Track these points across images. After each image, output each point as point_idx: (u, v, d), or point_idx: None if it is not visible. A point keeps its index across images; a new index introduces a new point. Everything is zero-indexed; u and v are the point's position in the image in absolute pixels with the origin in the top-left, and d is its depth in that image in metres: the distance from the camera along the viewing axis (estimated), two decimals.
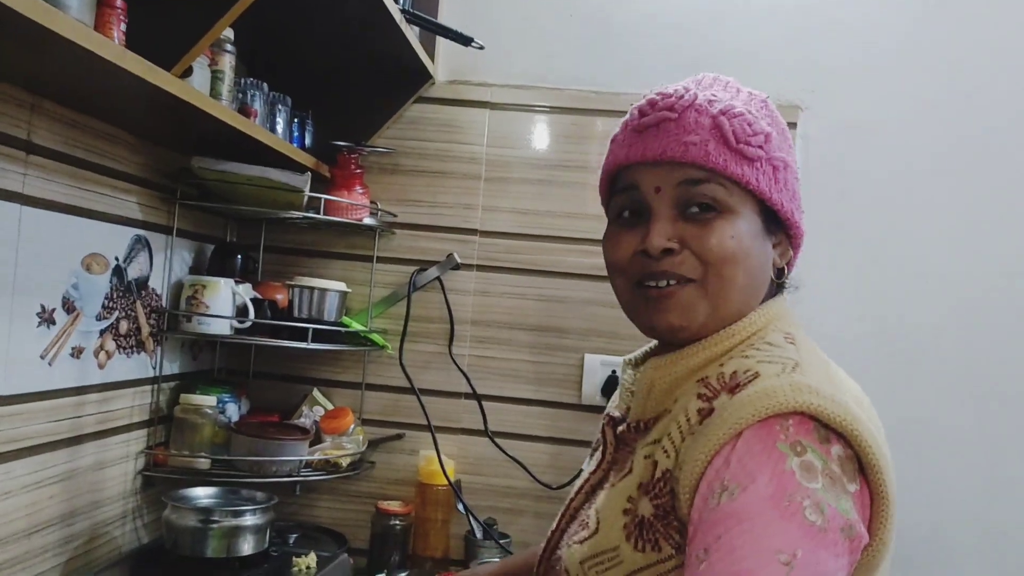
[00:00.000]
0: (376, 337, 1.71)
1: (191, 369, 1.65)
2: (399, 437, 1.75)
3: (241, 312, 1.52)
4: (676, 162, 0.82)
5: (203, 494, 1.42)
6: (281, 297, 1.61)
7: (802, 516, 0.67)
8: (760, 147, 0.82)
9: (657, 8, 1.75)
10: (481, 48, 1.63)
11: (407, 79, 1.73)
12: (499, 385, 1.75)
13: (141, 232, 1.42)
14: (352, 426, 1.66)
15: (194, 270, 1.60)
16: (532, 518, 1.71)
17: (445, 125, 1.76)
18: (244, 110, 1.43)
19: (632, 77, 1.71)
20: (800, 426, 0.71)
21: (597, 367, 1.71)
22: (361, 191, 1.66)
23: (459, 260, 1.74)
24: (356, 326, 1.68)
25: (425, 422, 1.70)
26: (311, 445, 1.60)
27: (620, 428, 0.89)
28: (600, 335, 1.71)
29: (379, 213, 1.72)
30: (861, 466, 0.73)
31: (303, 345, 1.54)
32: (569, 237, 1.73)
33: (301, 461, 1.54)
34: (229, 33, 1.33)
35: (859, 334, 1.69)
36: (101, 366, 1.34)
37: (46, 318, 1.19)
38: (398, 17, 1.43)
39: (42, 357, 1.20)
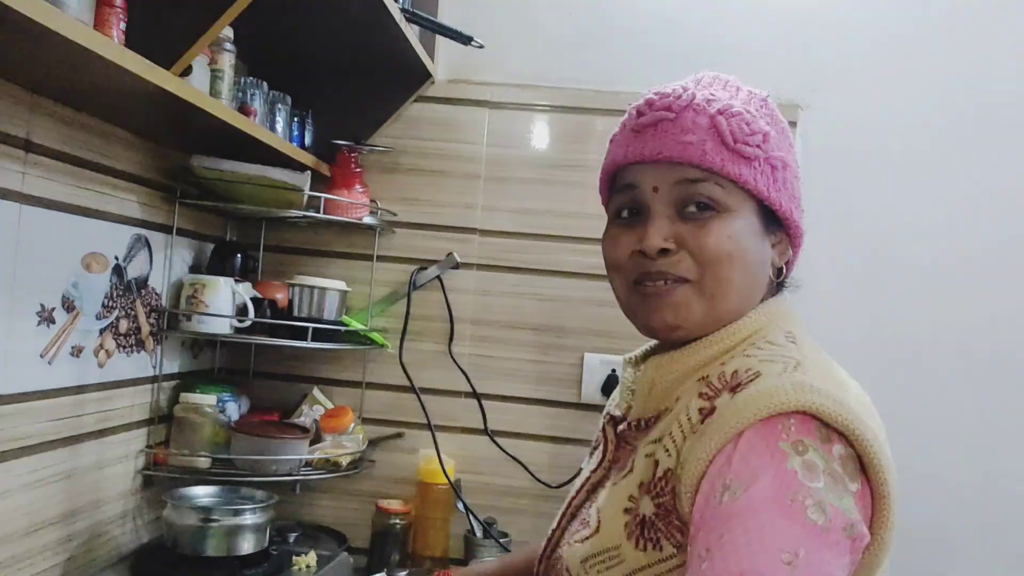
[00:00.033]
0: (376, 336, 1.71)
1: (191, 368, 1.65)
2: (399, 436, 1.75)
3: (241, 311, 1.52)
4: (673, 162, 0.82)
5: (203, 493, 1.42)
6: (281, 296, 1.61)
7: (804, 515, 0.67)
8: (758, 146, 0.82)
9: (657, 6, 1.75)
10: (481, 47, 1.63)
11: (407, 78, 1.73)
12: (499, 384, 1.74)
13: (141, 231, 1.42)
14: (352, 425, 1.66)
15: (194, 269, 1.60)
16: (532, 517, 1.71)
17: (445, 124, 1.76)
18: (244, 109, 1.43)
19: (632, 76, 1.71)
20: (802, 425, 0.71)
21: (597, 366, 1.71)
22: (361, 190, 1.66)
23: (459, 259, 1.74)
24: (356, 325, 1.68)
25: (425, 421, 1.70)
26: (311, 444, 1.60)
27: (621, 427, 0.89)
28: (600, 334, 1.71)
29: (379, 212, 1.72)
30: (862, 465, 0.73)
31: (303, 344, 1.54)
32: (569, 236, 1.73)
33: (301, 460, 1.54)
34: (229, 32, 1.33)
35: (859, 331, 1.69)
36: (101, 365, 1.34)
37: (46, 317, 1.19)
38: (398, 16, 1.43)
39: (42, 356, 1.19)
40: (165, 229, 1.50)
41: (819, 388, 0.72)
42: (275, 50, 1.65)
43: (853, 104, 1.71)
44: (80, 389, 1.29)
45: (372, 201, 1.69)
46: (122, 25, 0.99)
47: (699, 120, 0.81)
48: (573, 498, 0.92)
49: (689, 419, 0.77)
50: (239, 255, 1.64)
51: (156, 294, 1.48)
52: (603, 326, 1.70)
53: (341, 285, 1.62)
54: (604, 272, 0.90)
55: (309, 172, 1.53)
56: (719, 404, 0.75)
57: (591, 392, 1.71)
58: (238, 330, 1.52)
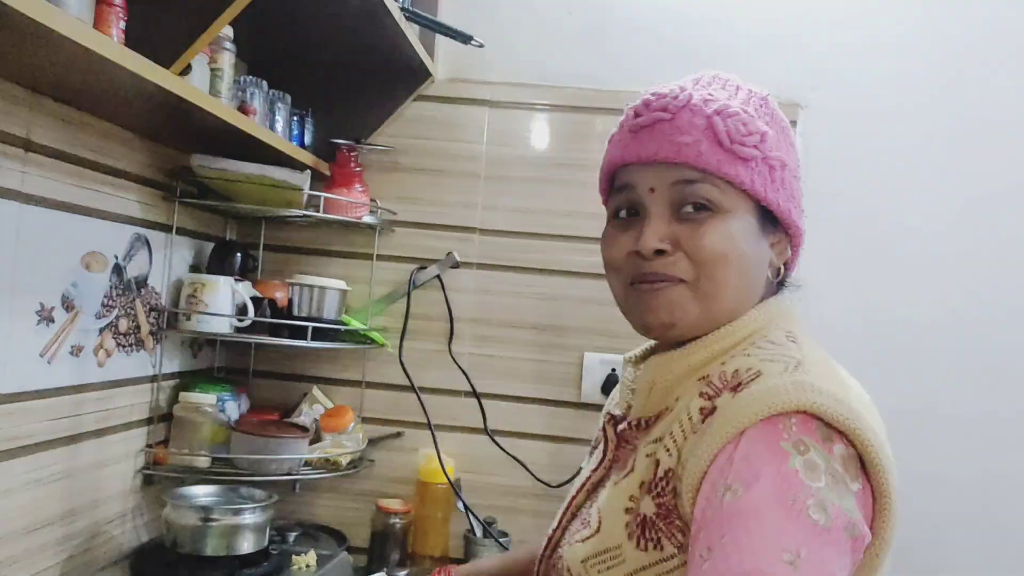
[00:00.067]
0: (376, 335, 1.71)
1: (191, 367, 1.65)
2: (398, 435, 1.75)
3: (241, 310, 1.52)
4: (670, 163, 0.82)
5: (203, 492, 1.42)
6: (281, 295, 1.61)
7: (806, 515, 0.66)
8: (755, 147, 0.81)
9: (657, 5, 1.75)
10: (481, 46, 1.63)
11: (407, 77, 1.73)
12: (499, 383, 1.74)
13: (140, 230, 1.42)
14: (352, 424, 1.66)
15: (194, 268, 1.60)
16: (532, 516, 1.71)
17: (445, 123, 1.76)
18: (243, 108, 1.43)
19: (632, 75, 1.71)
20: (803, 425, 0.71)
21: (596, 365, 1.71)
22: (361, 189, 1.66)
23: (459, 258, 1.74)
24: (356, 324, 1.68)
25: (425, 420, 1.70)
26: (311, 443, 1.60)
27: (621, 426, 0.89)
28: (599, 333, 1.71)
29: (379, 211, 1.72)
30: (863, 465, 0.73)
31: (303, 343, 1.54)
32: (569, 235, 1.73)
33: (301, 459, 1.54)
34: (228, 31, 1.33)
35: (859, 328, 1.69)
36: (100, 364, 1.34)
37: (45, 316, 1.19)
38: (398, 15, 1.43)
39: (41, 355, 1.19)
40: (165, 228, 1.49)
41: (820, 388, 0.72)
42: (275, 49, 1.65)
43: (853, 103, 1.71)
44: (80, 388, 1.29)
45: (372, 200, 1.69)
46: (122, 24, 0.99)
47: (695, 121, 0.81)
48: (573, 498, 0.92)
49: (690, 418, 0.77)
50: (239, 254, 1.64)
51: (156, 293, 1.48)
52: (603, 325, 1.70)
53: (341, 284, 1.62)
54: (604, 271, 0.90)
55: (309, 171, 1.53)
56: (720, 404, 0.75)
57: (591, 391, 1.71)
58: (238, 329, 1.52)
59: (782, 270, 0.89)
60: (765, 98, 0.88)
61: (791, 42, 1.71)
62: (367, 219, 1.66)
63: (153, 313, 1.48)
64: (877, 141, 1.71)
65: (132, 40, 0.99)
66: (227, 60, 1.33)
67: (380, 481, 1.74)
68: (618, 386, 0.98)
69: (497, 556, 1.41)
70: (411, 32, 1.54)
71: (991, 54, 1.69)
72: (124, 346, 1.40)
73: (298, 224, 1.74)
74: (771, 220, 0.85)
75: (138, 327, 1.43)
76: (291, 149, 1.49)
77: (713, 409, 0.75)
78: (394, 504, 1.67)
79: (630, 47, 1.74)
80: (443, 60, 1.77)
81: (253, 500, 1.40)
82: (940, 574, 1.67)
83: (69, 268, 1.24)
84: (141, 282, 1.43)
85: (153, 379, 1.50)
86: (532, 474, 1.70)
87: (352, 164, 1.65)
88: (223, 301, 1.50)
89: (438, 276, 1.75)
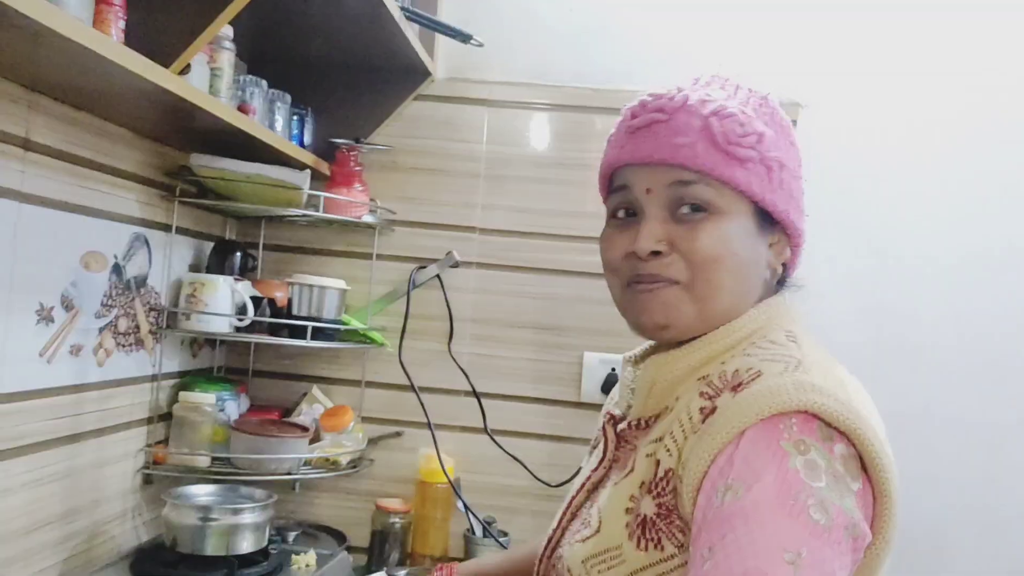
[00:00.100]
0: (375, 335, 1.71)
1: (190, 367, 1.65)
2: (398, 435, 1.75)
3: (240, 310, 1.52)
4: (666, 164, 0.82)
5: (202, 492, 1.42)
6: (280, 295, 1.61)
7: (807, 515, 0.66)
8: (752, 148, 0.81)
9: (657, 5, 1.75)
10: (480, 45, 1.63)
11: (406, 76, 1.73)
12: (498, 383, 1.74)
13: (140, 230, 1.41)
14: (352, 424, 1.66)
15: (193, 268, 1.60)
16: (531, 516, 1.71)
17: (444, 122, 1.76)
18: (243, 107, 1.43)
19: (632, 74, 1.71)
20: (803, 425, 0.71)
21: (596, 365, 1.71)
22: (360, 188, 1.65)
23: (458, 258, 1.74)
24: (355, 324, 1.68)
25: (425, 420, 1.69)
26: (311, 443, 1.60)
27: (621, 426, 0.89)
28: (599, 333, 1.71)
29: (378, 211, 1.72)
30: (864, 464, 0.73)
31: (302, 343, 1.53)
32: (568, 235, 1.73)
33: (300, 459, 1.54)
34: (228, 30, 1.33)
35: (859, 330, 1.69)
36: (100, 364, 1.33)
37: (44, 316, 1.19)
38: (397, 15, 1.43)
39: (41, 355, 1.19)
40: (164, 228, 1.49)
41: (821, 387, 0.72)
42: (274, 48, 1.65)
43: (853, 102, 1.71)
44: (79, 388, 1.29)
45: (371, 200, 1.69)
46: (121, 23, 0.99)
47: (692, 122, 0.81)
48: (573, 498, 0.92)
49: (690, 418, 0.77)
50: (238, 254, 1.64)
51: (155, 293, 1.48)
52: (603, 325, 1.70)
53: (340, 284, 1.62)
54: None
55: (308, 171, 1.53)
56: (720, 403, 0.75)
57: (591, 391, 1.71)
58: (237, 329, 1.52)
59: (780, 270, 0.89)
60: (765, 97, 0.87)
61: (792, 41, 1.71)
62: (367, 218, 1.66)
63: (153, 313, 1.48)
64: (877, 140, 1.71)
65: (131, 39, 0.99)
66: (226, 59, 1.33)
67: (380, 481, 1.74)
68: (618, 385, 0.98)
69: (499, 553, 1.41)
70: (411, 31, 1.54)
71: (993, 53, 1.69)
72: (124, 346, 1.39)
73: (298, 224, 1.74)
74: (769, 221, 0.85)
75: (137, 327, 1.43)
76: (291, 148, 1.49)
77: (713, 409, 0.75)
78: (394, 504, 1.67)
79: (630, 47, 1.74)
80: (443, 59, 1.77)
81: (253, 500, 1.40)
82: (940, 574, 1.67)
83: (68, 268, 1.24)
84: (140, 282, 1.43)
85: (153, 379, 1.50)
86: (532, 473, 1.70)
87: (352, 163, 1.65)
88: (223, 301, 1.50)
89: (438, 276, 1.74)
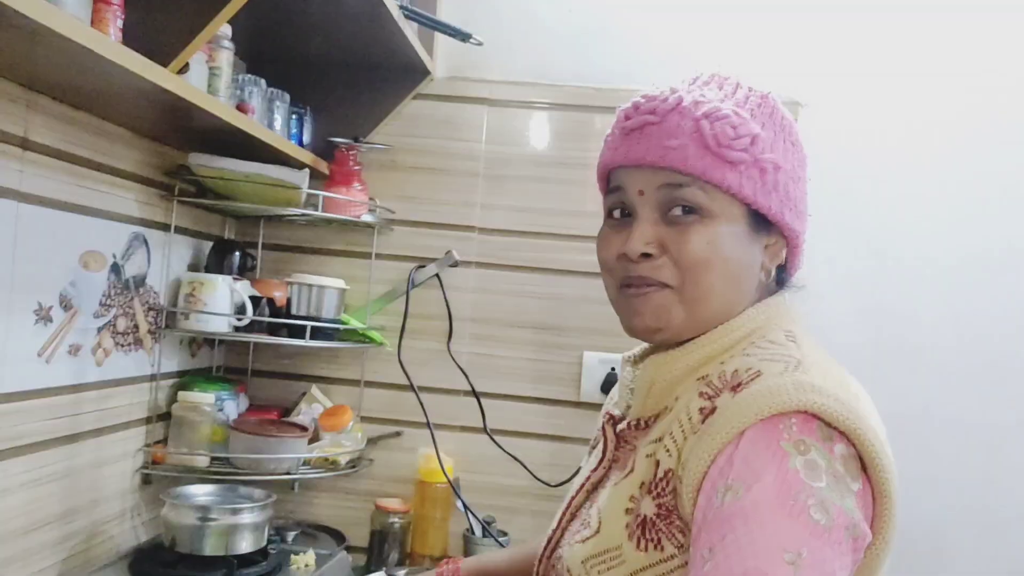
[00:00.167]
0: (374, 334, 1.71)
1: (189, 367, 1.64)
2: (397, 435, 1.75)
3: (239, 309, 1.51)
4: (657, 166, 0.82)
5: (201, 492, 1.42)
6: (280, 294, 1.60)
7: (807, 515, 0.66)
8: (744, 150, 0.81)
9: (657, 5, 1.75)
10: (480, 44, 1.63)
11: (405, 75, 1.72)
12: (498, 382, 1.74)
13: (139, 229, 1.41)
14: (351, 424, 1.66)
15: (192, 267, 1.60)
16: (531, 516, 1.71)
17: (444, 122, 1.76)
18: (241, 107, 1.43)
19: (631, 73, 1.71)
20: (803, 425, 0.71)
21: (596, 364, 1.71)
22: (359, 188, 1.65)
23: (458, 257, 1.74)
24: (355, 323, 1.67)
25: (424, 420, 1.69)
26: (310, 443, 1.60)
27: (620, 426, 0.89)
28: (599, 332, 1.71)
29: (377, 210, 1.71)
30: (863, 464, 0.72)
31: (301, 342, 1.53)
32: (568, 234, 1.73)
33: (299, 459, 1.54)
34: (227, 29, 1.33)
35: (859, 330, 1.69)
36: (99, 364, 1.33)
37: (43, 315, 1.19)
38: (396, 13, 1.43)
39: (39, 355, 1.19)
40: (163, 227, 1.49)
41: (820, 387, 0.72)
42: (273, 47, 1.65)
43: (854, 102, 1.71)
44: (78, 388, 1.29)
45: (371, 199, 1.68)
46: (119, 22, 0.98)
47: (683, 124, 0.81)
48: (573, 498, 0.92)
49: (690, 419, 0.77)
50: (237, 253, 1.63)
51: (154, 292, 1.48)
52: (602, 324, 1.70)
53: (340, 283, 1.61)
54: None
55: (307, 170, 1.53)
56: (720, 404, 0.75)
57: (590, 390, 1.71)
58: (236, 328, 1.52)
59: (774, 272, 0.89)
60: (765, 96, 0.87)
61: (793, 41, 1.71)
62: (366, 218, 1.66)
63: (151, 312, 1.47)
64: (877, 141, 1.71)
65: (130, 38, 0.99)
66: (225, 58, 1.33)
67: (379, 480, 1.74)
68: (617, 385, 0.98)
69: (503, 550, 1.42)
70: (410, 30, 1.54)
71: (993, 53, 1.69)
72: (122, 345, 1.39)
73: (297, 223, 1.74)
74: (765, 223, 0.85)
75: (136, 326, 1.43)
76: (290, 148, 1.49)
77: (713, 409, 0.75)
78: (393, 503, 1.67)
79: (629, 47, 1.74)
80: (442, 58, 1.77)
81: (252, 499, 1.40)
82: (940, 574, 1.67)
83: (67, 267, 1.23)
84: (139, 281, 1.43)
85: (152, 378, 1.50)
86: (531, 473, 1.70)
87: (351, 163, 1.65)
88: (221, 300, 1.49)
89: (437, 275, 1.74)
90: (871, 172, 1.71)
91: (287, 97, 1.57)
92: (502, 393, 1.74)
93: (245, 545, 1.33)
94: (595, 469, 0.90)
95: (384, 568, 1.61)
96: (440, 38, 1.72)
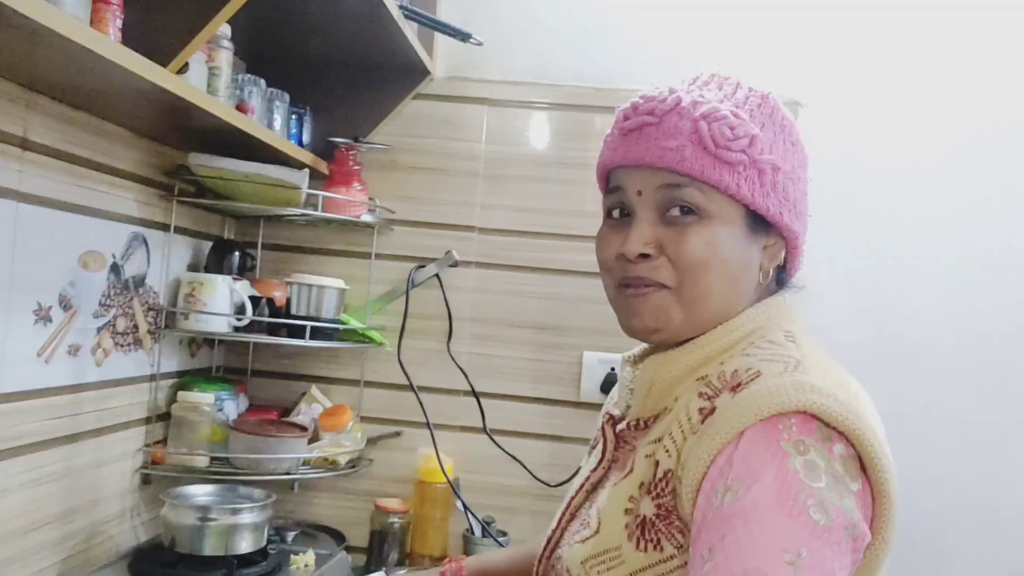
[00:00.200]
0: (374, 334, 1.71)
1: (189, 367, 1.64)
2: (397, 435, 1.74)
3: (239, 310, 1.51)
4: (655, 167, 0.82)
5: (201, 492, 1.42)
6: (279, 294, 1.60)
7: (807, 515, 0.66)
8: (742, 151, 0.81)
9: (657, 5, 1.75)
10: (480, 44, 1.63)
11: (405, 75, 1.72)
12: (498, 382, 1.74)
13: (138, 229, 1.41)
14: (350, 424, 1.66)
15: (192, 267, 1.60)
16: (530, 516, 1.71)
17: (443, 121, 1.76)
18: (241, 106, 1.43)
19: (631, 73, 1.70)
20: (803, 425, 0.71)
21: (596, 364, 1.71)
22: (359, 188, 1.65)
23: (457, 257, 1.74)
24: (354, 323, 1.67)
25: (424, 420, 1.69)
26: (309, 443, 1.60)
27: (620, 426, 0.89)
28: (599, 332, 1.71)
29: (377, 210, 1.71)
30: (863, 465, 0.72)
31: (301, 343, 1.53)
32: (568, 234, 1.72)
33: (299, 459, 1.54)
34: (226, 29, 1.33)
35: (859, 330, 1.69)
36: (98, 364, 1.33)
37: (42, 316, 1.19)
38: (396, 13, 1.43)
39: (39, 355, 1.19)
40: (163, 227, 1.49)
41: (820, 388, 0.72)
42: (273, 47, 1.65)
43: (854, 101, 1.71)
44: (77, 388, 1.29)
45: (370, 199, 1.68)
46: (118, 22, 0.98)
47: (681, 125, 0.81)
48: (572, 498, 0.92)
49: (689, 419, 0.77)
50: (237, 253, 1.63)
51: (154, 292, 1.48)
52: (602, 324, 1.69)
53: (339, 283, 1.61)
54: None
55: (307, 170, 1.52)
56: (719, 404, 0.75)
57: (590, 390, 1.71)
58: (236, 328, 1.52)
59: (773, 272, 0.88)
60: (766, 96, 0.87)
61: (793, 40, 1.71)
62: (365, 218, 1.66)
63: (151, 312, 1.47)
64: (877, 140, 1.71)
65: (129, 38, 0.99)
66: (225, 58, 1.33)
67: (379, 480, 1.74)
68: (617, 385, 0.98)
69: (504, 549, 1.41)
70: (410, 30, 1.54)
71: (993, 52, 1.69)
72: (122, 345, 1.39)
73: (296, 223, 1.74)
74: (764, 223, 0.85)
75: (136, 326, 1.43)
76: (289, 148, 1.49)
77: (712, 409, 0.75)
78: (393, 503, 1.67)
79: (629, 47, 1.74)
80: (442, 58, 1.77)
81: (251, 499, 1.40)
82: (939, 574, 1.67)
83: (67, 267, 1.23)
84: (139, 281, 1.43)
85: (151, 378, 1.50)
86: (531, 473, 1.70)
87: (350, 163, 1.65)
88: (221, 300, 1.49)
89: (437, 275, 1.74)
90: (871, 172, 1.71)
91: (287, 97, 1.57)
92: (502, 393, 1.74)
93: (245, 545, 1.33)
94: (595, 469, 0.90)
95: (384, 568, 1.61)
96: (440, 38, 1.72)
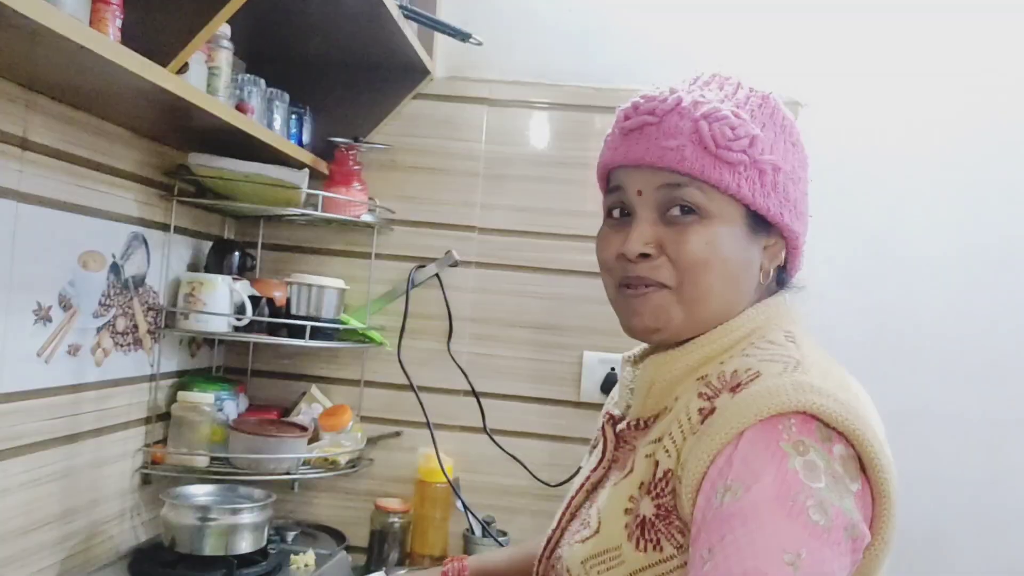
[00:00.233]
0: (374, 334, 1.71)
1: (189, 367, 1.64)
2: (397, 435, 1.74)
3: (239, 309, 1.51)
4: (655, 167, 0.82)
5: (201, 492, 1.42)
6: (279, 294, 1.60)
7: (806, 516, 0.66)
8: (743, 151, 0.81)
9: (657, 5, 1.75)
10: (479, 44, 1.63)
11: (405, 75, 1.72)
12: (498, 382, 1.74)
13: (138, 229, 1.41)
14: (350, 423, 1.66)
15: (192, 267, 1.60)
16: (530, 516, 1.71)
17: (443, 121, 1.76)
18: (241, 106, 1.43)
19: (632, 73, 1.70)
20: (803, 425, 0.71)
21: (596, 364, 1.71)
22: (359, 188, 1.65)
23: (457, 257, 1.74)
24: (354, 323, 1.67)
25: (424, 420, 1.69)
26: (309, 443, 1.60)
27: (620, 426, 0.89)
28: (599, 332, 1.71)
29: (377, 210, 1.71)
30: (863, 465, 0.72)
31: (301, 342, 1.53)
32: (568, 234, 1.72)
33: (299, 459, 1.54)
34: (226, 29, 1.33)
35: (859, 330, 1.69)
36: (98, 364, 1.33)
37: (42, 315, 1.19)
38: (396, 13, 1.43)
39: (38, 355, 1.19)
40: (162, 227, 1.49)
41: (820, 388, 0.72)
42: (272, 47, 1.65)
43: (853, 103, 1.71)
44: (77, 388, 1.29)
45: (370, 199, 1.68)
46: (118, 22, 0.98)
47: (682, 125, 0.81)
48: (573, 498, 0.92)
49: (689, 419, 0.77)
50: (237, 253, 1.63)
51: (154, 292, 1.48)
52: (602, 324, 1.69)
53: (339, 283, 1.61)
54: None
55: (307, 170, 1.52)
56: (719, 404, 0.75)
57: (590, 390, 1.71)
58: (236, 328, 1.52)
59: (773, 272, 0.88)
60: (766, 97, 0.87)
61: (793, 40, 1.71)
62: (365, 218, 1.66)
63: (151, 312, 1.47)
64: (877, 140, 1.71)
65: (129, 38, 0.99)
66: (224, 58, 1.33)
67: (379, 480, 1.74)
68: (617, 385, 0.98)
69: (505, 548, 1.41)
70: (409, 30, 1.54)
71: (993, 51, 1.69)
72: (122, 345, 1.39)
73: (296, 223, 1.74)
74: (764, 223, 0.85)
75: (136, 326, 1.43)
76: (289, 147, 1.48)
77: (712, 410, 0.75)
78: (393, 503, 1.67)
79: (629, 45, 1.74)
80: (442, 58, 1.77)
81: (251, 499, 1.40)
82: (940, 574, 1.67)
83: (66, 267, 1.23)
84: (139, 281, 1.43)
85: (151, 378, 1.50)
86: (531, 473, 1.70)
87: (350, 162, 1.65)
88: (221, 300, 1.49)
89: (437, 275, 1.74)
90: (871, 172, 1.71)
91: (286, 97, 1.57)
92: (502, 393, 1.74)
93: (245, 545, 1.33)
94: (595, 469, 0.90)
95: (384, 568, 1.61)
96: (440, 38, 1.72)
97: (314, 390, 1.74)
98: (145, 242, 1.43)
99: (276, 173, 1.46)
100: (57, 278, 1.21)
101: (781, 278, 0.90)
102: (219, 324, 1.50)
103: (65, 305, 1.23)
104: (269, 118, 1.53)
